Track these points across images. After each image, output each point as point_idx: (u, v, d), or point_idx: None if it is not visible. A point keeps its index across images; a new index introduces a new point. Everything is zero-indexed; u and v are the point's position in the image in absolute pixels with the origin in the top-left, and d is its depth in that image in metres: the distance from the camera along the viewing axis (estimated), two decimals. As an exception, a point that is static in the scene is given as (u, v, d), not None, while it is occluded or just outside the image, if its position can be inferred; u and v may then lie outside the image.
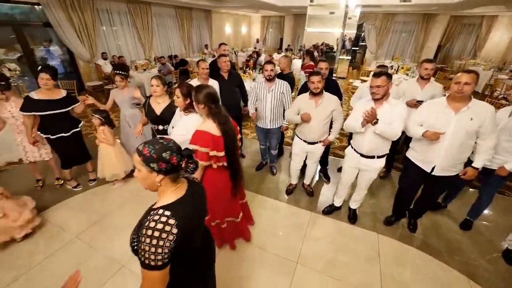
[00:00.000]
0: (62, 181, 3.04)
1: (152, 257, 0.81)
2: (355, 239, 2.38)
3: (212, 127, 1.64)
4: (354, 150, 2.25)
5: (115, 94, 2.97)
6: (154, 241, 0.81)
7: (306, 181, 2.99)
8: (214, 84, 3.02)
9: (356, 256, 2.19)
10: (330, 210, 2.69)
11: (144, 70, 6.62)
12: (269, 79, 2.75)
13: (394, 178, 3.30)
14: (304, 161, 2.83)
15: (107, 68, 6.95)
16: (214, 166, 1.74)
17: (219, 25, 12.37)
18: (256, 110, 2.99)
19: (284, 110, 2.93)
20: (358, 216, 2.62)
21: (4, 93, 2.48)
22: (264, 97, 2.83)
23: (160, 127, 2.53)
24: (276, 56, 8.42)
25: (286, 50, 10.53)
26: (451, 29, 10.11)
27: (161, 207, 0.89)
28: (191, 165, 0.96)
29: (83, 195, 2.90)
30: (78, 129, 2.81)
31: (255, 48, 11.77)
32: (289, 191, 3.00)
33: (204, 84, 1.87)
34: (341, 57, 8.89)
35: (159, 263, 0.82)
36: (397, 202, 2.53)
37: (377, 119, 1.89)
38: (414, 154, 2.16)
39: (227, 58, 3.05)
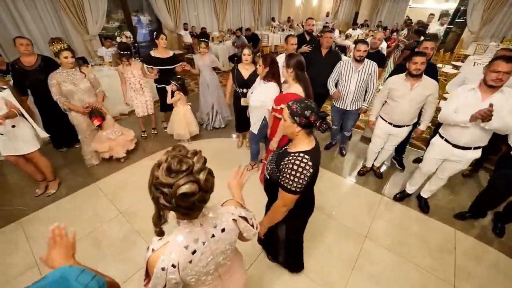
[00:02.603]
0: (156, 131, 3.78)
1: (294, 184, 1.14)
2: (429, 229, 2.35)
3: (299, 91, 1.99)
4: (446, 140, 2.12)
5: (197, 59, 3.44)
6: (298, 174, 1.13)
7: (377, 163, 2.97)
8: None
9: (428, 244, 2.19)
10: (402, 197, 2.66)
11: (220, 42, 7.02)
12: (359, 60, 2.68)
13: (480, 178, 2.98)
14: None
15: (187, 38, 7.60)
16: None
17: (290, -5, 11.84)
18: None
19: (366, 91, 2.88)
20: (433, 208, 2.53)
21: (129, 61, 3.08)
22: (349, 77, 2.78)
23: (244, 90, 2.87)
24: (353, 32, 7.76)
25: (362, 25, 9.56)
26: None
27: (301, 152, 1.16)
28: (324, 126, 1.17)
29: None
30: None
31: (326, 22, 10.99)
32: (361, 173, 3.02)
33: (296, 53, 2.11)
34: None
35: (297, 189, 1.16)
36: (483, 200, 2.33)
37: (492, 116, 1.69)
38: None
39: (331, 34, 3.07)
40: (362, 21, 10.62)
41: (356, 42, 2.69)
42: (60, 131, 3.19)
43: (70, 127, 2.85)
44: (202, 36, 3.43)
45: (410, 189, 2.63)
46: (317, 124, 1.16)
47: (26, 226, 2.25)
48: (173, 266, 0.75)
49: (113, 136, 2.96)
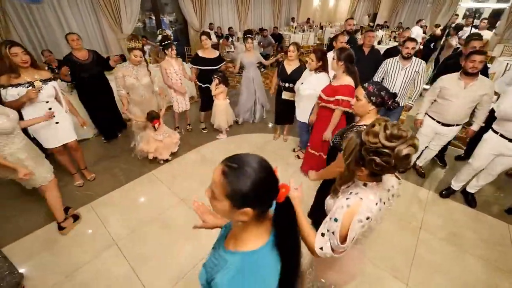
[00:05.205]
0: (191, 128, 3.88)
1: None
2: (480, 223, 2.39)
3: (352, 81, 2.13)
4: (501, 136, 2.17)
5: (243, 56, 3.58)
6: None
7: (420, 162, 3.01)
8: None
9: (482, 237, 2.24)
10: (448, 193, 2.69)
11: (245, 41, 7.15)
12: (407, 57, 2.74)
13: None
14: None
15: (213, 38, 7.76)
16: (349, 110, 2.18)
17: (309, -4, 11.91)
18: None
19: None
20: (481, 204, 2.57)
21: (174, 48, 3.13)
22: (396, 74, 2.84)
23: (287, 85, 3.05)
24: (376, 33, 7.77)
25: (382, 26, 9.56)
26: None
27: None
28: (395, 104, 1.34)
29: (221, 141, 3.66)
30: None
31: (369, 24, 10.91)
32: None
33: (347, 47, 2.27)
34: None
35: None
36: None
37: None
38: None
39: (373, 33, 3.17)
40: (382, 22, 10.60)
41: (407, 40, 2.75)
42: (109, 121, 3.41)
43: (116, 116, 3.00)
44: (247, 32, 3.59)
45: (456, 186, 2.66)
46: (389, 102, 1.32)
47: (97, 209, 2.41)
48: (367, 218, 0.87)
49: (161, 138, 2.93)
